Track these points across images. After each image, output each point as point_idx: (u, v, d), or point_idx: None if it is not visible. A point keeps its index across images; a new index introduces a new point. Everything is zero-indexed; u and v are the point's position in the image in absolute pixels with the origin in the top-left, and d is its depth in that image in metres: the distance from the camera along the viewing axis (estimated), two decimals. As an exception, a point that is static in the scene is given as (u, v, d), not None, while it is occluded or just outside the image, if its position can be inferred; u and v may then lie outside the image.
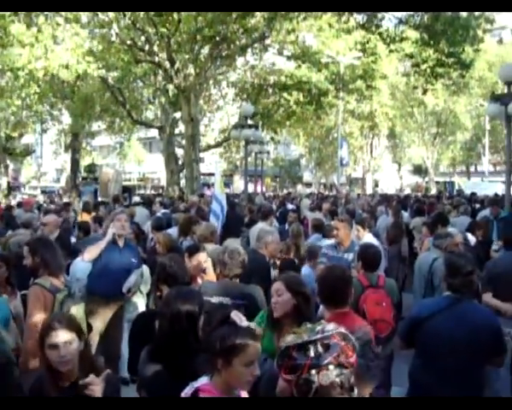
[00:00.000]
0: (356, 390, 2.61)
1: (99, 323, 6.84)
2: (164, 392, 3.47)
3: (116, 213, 7.58)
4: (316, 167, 55.88)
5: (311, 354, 2.40)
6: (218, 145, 34.01)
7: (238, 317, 3.27)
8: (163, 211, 13.71)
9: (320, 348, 2.41)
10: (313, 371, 2.37)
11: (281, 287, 4.35)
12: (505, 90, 12.87)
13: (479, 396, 4.51)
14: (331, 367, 2.39)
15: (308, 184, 58.35)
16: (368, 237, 8.51)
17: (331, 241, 8.10)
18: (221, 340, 3.12)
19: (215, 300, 4.76)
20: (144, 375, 3.75)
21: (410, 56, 22.58)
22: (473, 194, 23.32)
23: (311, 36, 28.81)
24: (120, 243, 7.16)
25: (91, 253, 6.94)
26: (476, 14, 20.35)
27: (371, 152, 51.68)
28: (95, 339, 6.74)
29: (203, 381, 3.17)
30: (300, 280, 4.61)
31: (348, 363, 2.48)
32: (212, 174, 25.40)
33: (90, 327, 6.20)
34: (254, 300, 5.04)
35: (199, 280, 5.74)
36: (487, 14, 20.21)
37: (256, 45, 25.78)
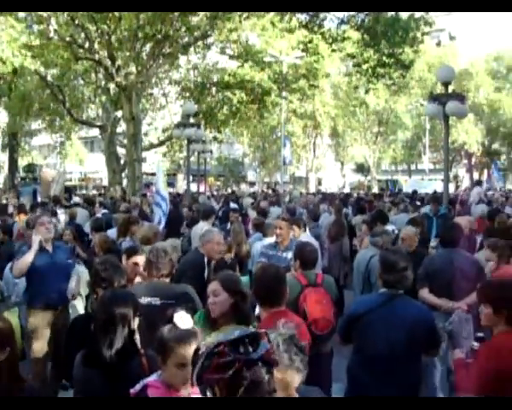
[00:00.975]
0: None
1: (47, 332, 6.72)
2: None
3: (38, 218, 7.43)
4: (259, 166, 56.07)
5: (242, 350, 2.34)
6: (160, 144, 33.65)
7: (181, 319, 3.27)
8: (103, 211, 13.52)
9: (250, 346, 2.36)
10: (244, 368, 2.32)
11: (217, 287, 4.33)
12: (443, 91, 13.17)
13: (416, 390, 4.66)
14: (260, 364, 2.35)
15: (252, 183, 58.52)
16: (304, 237, 8.54)
17: (271, 240, 8.12)
18: (159, 340, 3.26)
19: (143, 300, 4.65)
20: (79, 380, 3.70)
21: (352, 56, 22.85)
22: (414, 192, 23.78)
23: (254, 35, 28.83)
24: (49, 247, 6.96)
25: (20, 269, 6.74)
26: (416, 16, 20.72)
27: (314, 151, 52.15)
28: (43, 348, 6.67)
29: (153, 377, 3.28)
30: (237, 279, 4.59)
31: (274, 361, 2.45)
32: (154, 174, 25.18)
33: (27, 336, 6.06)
34: (187, 299, 4.97)
35: (136, 282, 5.62)
36: (426, 16, 20.58)
37: (199, 44, 25.62)
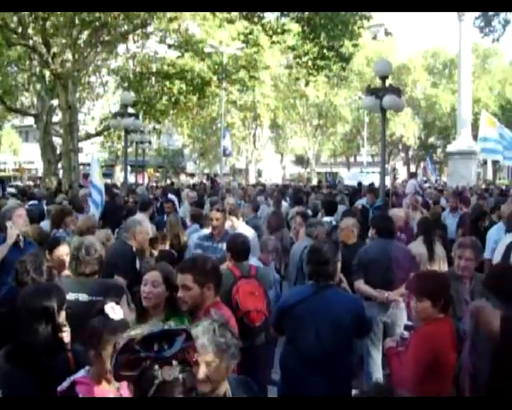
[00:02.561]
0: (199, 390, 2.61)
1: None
2: (25, 394, 3.29)
3: (14, 209, 6.77)
4: (199, 158, 55.80)
5: (155, 348, 2.26)
6: (98, 134, 33.00)
7: (112, 310, 3.21)
8: (31, 203, 13.12)
9: (164, 343, 2.28)
10: (156, 366, 2.24)
11: (158, 278, 4.31)
12: (381, 85, 13.33)
13: (347, 380, 4.73)
14: (174, 363, 2.27)
15: (191, 175, 58.18)
16: (242, 227, 8.51)
17: (206, 231, 8.05)
18: (91, 332, 3.18)
19: (70, 296, 4.49)
20: (2, 378, 3.50)
21: (292, 49, 22.84)
22: (359, 184, 24.05)
23: (194, 25, 28.59)
24: (21, 242, 6.39)
25: None
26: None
27: (254, 142, 52.23)
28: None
29: (81, 373, 3.18)
30: (174, 272, 4.50)
31: (191, 361, 2.39)
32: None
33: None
34: (117, 294, 4.84)
35: (64, 274, 5.45)
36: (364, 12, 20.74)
37: (138, 32, 25.23)
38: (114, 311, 3.24)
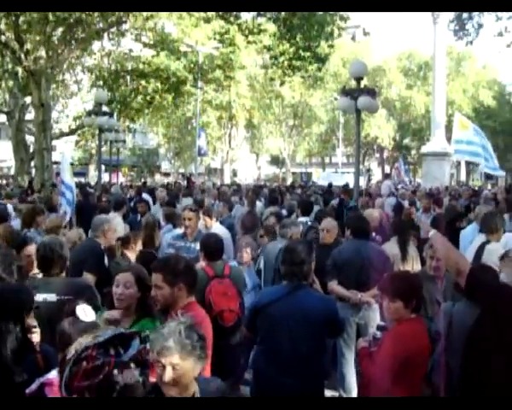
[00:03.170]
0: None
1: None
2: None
3: None
4: (174, 157, 55.57)
5: (112, 352, 2.22)
6: (71, 133, 32.64)
7: (83, 311, 3.16)
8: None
9: (119, 347, 2.24)
10: (116, 371, 2.20)
11: (130, 279, 4.27)
12: (356, 86, 13.39)
13: (319, 381, 4.73)
14: (133, 366, 2.25)
15: (166, 174, 57.92)
16: (216, 227, 8.49)
17: (179, 231, 8.03)
18: (60, 334, 3.15)
19: (39, 297, 4.43)
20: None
21: (268, 49, 22.85)
22: (330, 185, 24.12)
23: (170, 23, 28.48)
24: None
25: None
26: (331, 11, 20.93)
27: (230, 142, 52.19)
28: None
29: (50, 375, 3.06)
30: (146, 273, 4.47)
31: (147, 362, 2.37)
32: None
33: None
34: (85, 293, 4.79)
35: (32, 273, 5.37)
36: (342, 13, 20.81)
37: (113, 30, 25.03)
38: (85, 313, 3.20)
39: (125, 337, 2.29)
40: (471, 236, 8.43)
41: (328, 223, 7.90)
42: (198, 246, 6.60)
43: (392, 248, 7.42)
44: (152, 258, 6.32)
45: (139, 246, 7.06)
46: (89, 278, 5.88)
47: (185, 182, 33.66)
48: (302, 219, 9.63)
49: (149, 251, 7.14)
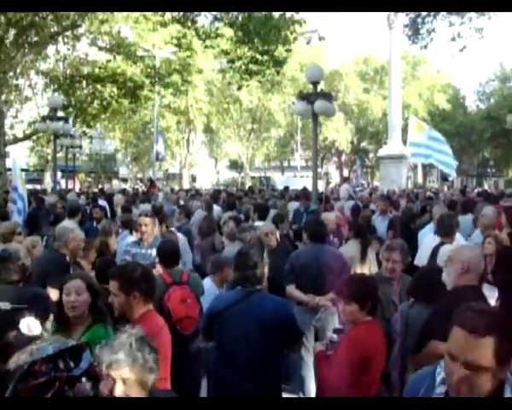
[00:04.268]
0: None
1: None
2: None
3: None
4: (132, 162, 55.06)
5: (62, 366, 2.15)
6: (26, 138, 32.04)
7: (27, 326, 3.05)
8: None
9: (70, 361, 2.17)
10: (66, 387, 2.13)
11: (81, 285, 4.21)
12: (313, 90, 13.44)
13: (277, 386, 4.69)
14: (84, 380, 2.18)
15: (124, 180, 57.39)
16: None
17: (134, 237, 7.94)
18: (4, 345, 3.06)
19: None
20: None
21: (226, 53, 22.81)
22: (286, 188, 24.21)
23: (126, 27, 28.20)
24: None
25: None
26: (287, 16, 21.00)
27: (188, 147, 51.97)
28: None
29: None
30: (94, 279, 4.42)
31: (99, 375, 2.31)
32: (23, 170, 24.07)
33: None
34: (40, 302, 4.70)
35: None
36: (297, 17, 20.90)
37: (68, 34, 24.67)
38: (29, 327, 3.11)
39: (75, 350, 2.21)
40: (430, 235, 8.56)
41: (269, 226, 7.95)
42: (154, 252, 6.54)
43: (350, 250, 7.47)
44: (110, 264, 6.24)
45: (93, 254, 6.92)
46: (52, 291, 5.76)
47: (143, 187, 33.40)
48: (259, 223, 9.64)
49: (107, 258, 7.04)
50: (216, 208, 13.68)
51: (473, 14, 16.61)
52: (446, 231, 7.56)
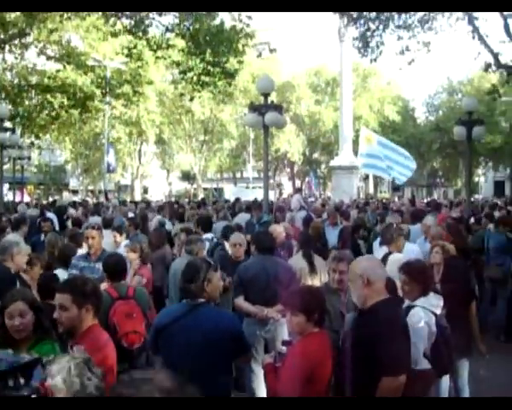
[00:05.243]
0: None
1: None
2: None
3: None
4: (83, 174, 54.24)
5: (11, 384, 2.06)
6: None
7: None
8: None
9: (20, 377, 2.09)
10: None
11: (24, 307, 4.11)
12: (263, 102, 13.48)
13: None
14: (34, 397, 2.11)
15: (75, 191, 56.51)
16: (123, 245, 8.34)
17: (82, 250, 7.79)
18: None
19: None
20: None
21: (177, 64, 22.74)
22: (237, 199, 24.20)
23: (76, 37, 27.88)
24: None
25: None
26: (238, 28, 21.07)
27: (140, 158, 51.55)
28: None
29: None
30: (34, 296, 4.30)
31: (49, 392, 2.23)
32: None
33: None
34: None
35: None
36: (248, 30, 20.98)
37: (15, 42, 24.25)
38: None
39: (27, 366, 2.13)
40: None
41: (238, 237, 7.92)
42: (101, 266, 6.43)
43: (299, 261, 7.48)
44: (53, 280, 6.10)
45: (38, 269, 6.75)
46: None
47: (94, 199, 32.94)
48: (208, 235, 9.60)
49: (51, 273, 6.88)
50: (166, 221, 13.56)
51: (420, 29, 16.95)
52: (387, 240, 7.67)
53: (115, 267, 5.78)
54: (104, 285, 5.70)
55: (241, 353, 4.67)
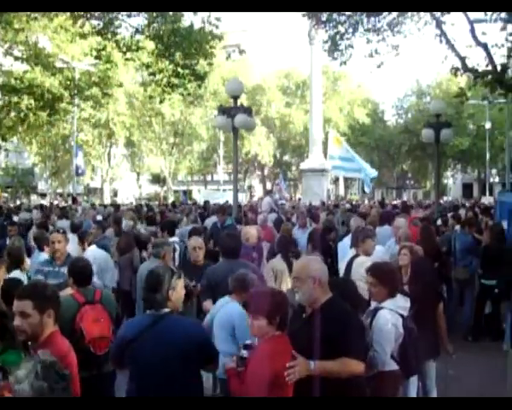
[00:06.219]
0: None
1: None
2: None
3: None
4: (51, 177, 53.57)
5: None
6: None
7: None
8: None
9: None
10: None
11: None
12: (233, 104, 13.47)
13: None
14: None
15: (43, 195, 55.81)
16: (91, 249, 8.25)
17: (47, 255, 7.67)
18: None
19: None
20: None
21: (147, 66, 22.59)
22: (206, 202, 24.16)
23: (44, 38, 27.54)
24: None
25: None
26: (207, 30, 21.02)
27: (109, 161, 51.16)
28: None
29: None
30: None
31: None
32: None
33: None
34: None
35: None
36: (217, 32, 20.94)
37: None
38: None
39: None
40: (348, 247, 8.72)
41: (196, 241, 7.87)
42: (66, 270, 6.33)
43: (279, 263, 7.51)
44: (18, 285, 5.98)
45: (2, 272, 6.62)
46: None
47: (62, 202, 32.59)
48: (174, 238, 9.55)
49: (15, 278, 6.76)
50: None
51: (389, 32, 17.07)
52: (357, 242, 7.72)
53: (82, 272, 5.69)
54: (69, 290, 5.61)
55: (209, 360, 4.57)
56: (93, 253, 8.43)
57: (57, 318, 4.13)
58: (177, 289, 4.49)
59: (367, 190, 25.73)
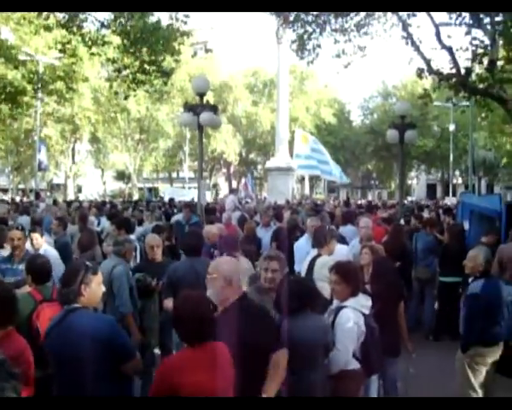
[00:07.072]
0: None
1: None
2: None
3: None
4: (13, 172, 52.69)
5: None
6: None
7: None
8: None
9: None
10: None
11: None
12: (199, 101, 13.41)
13: None
14: None
15: (5, 190, 54.91)
16: (46, 246, 8.14)
17: (5, 252, 7.53)
18: None
19: None
20: None
21: (113, 61, 22.34)
22: (171, 199, 24.04)
23: (7, 30, 27.03)
24: None
25: None
26: (175, 27, 20.88)
27: (73, 157, 50.53)
28: None
29: None
30: None
31: None
32: None
33: None
34: None
35: None
36: (184, 28, 20.81)
37: None
38: None
39: None
40: (305, 247, 8.74)
41: (153, 239, 7.83)
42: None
43: (245, 262, 7.52)
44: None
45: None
46: None
47: (25, 198, 32.11)
48: (132, 236, 9.48)
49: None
50: (102, 220, 13.27)
51: (356, 33, 17.15)
52: (319, 243, 7.74)
53: (40, 269, 5.56)
54: (26, 288, 5.50)
55: (124, 360, 4.29)
56: (43, 251, 8.25)
57: (11, 317, 4.05)
58: (91, 285, 4.31)
59: (344, 179, 25.85)
